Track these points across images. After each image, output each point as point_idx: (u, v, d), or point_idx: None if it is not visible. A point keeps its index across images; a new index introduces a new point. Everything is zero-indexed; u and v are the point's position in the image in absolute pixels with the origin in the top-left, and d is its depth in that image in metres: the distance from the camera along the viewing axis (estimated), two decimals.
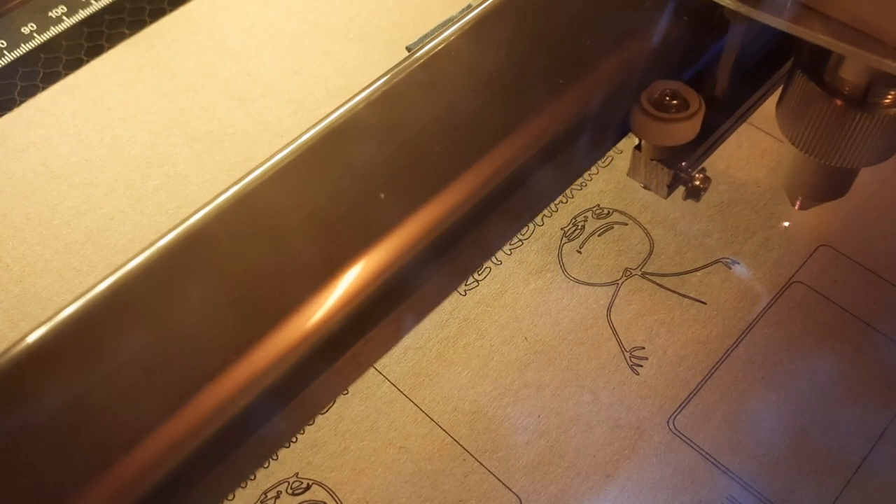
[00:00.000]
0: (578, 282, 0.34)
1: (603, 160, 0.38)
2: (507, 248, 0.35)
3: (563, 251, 0.35)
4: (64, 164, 0.38)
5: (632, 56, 0.25)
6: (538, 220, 0.36)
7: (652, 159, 0.27)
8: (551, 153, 0.23)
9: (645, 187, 0.28)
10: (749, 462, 0.30)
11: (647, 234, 0.35)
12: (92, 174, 0.38)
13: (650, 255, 0.35)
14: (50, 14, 0.44)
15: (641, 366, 0.32)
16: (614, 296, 0.34)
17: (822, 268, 0.34)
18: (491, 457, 0.30)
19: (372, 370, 0.32)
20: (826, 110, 0.26)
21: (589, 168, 0.27)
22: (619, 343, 0.33)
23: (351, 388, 0.32)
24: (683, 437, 0.30)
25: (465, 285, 0.34)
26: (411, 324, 0.23)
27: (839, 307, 0.33)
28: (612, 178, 0.37)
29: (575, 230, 0.36)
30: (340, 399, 0.32)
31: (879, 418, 0.31)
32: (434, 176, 0.21)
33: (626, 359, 0.32)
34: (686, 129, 0.25)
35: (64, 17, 0.43)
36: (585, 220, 0.36)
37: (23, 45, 0.42)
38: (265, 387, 0.19)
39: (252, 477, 0.30)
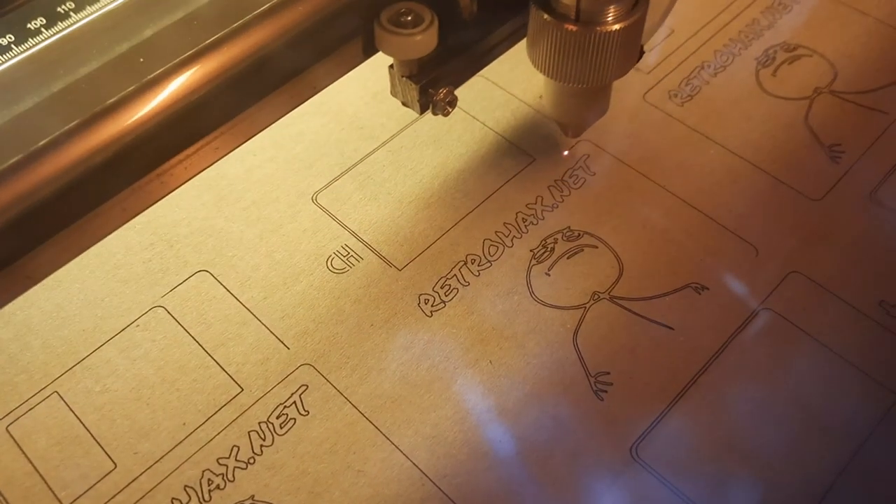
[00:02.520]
0: (546, 304, 0.34)
1: (575, 182, 0.37)
2: (475, 269, 0.35)
3: (532, 273, 0.35)
4: None
5: None
6: (507, 241, 0.36)
7: (402, 76, 0.30)
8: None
9: (404, 104, 0.31)
10: (711, 493, 0.30)
11: (617, 257, 0.35)
12: None
13: (619, 278, 0.34)
14: (28, 26, 0.43)
15: (606, 391, 0.32)
16: (581, 319, 0.33)
17: (793, 295, 0.34)
18: (450, 482, 0.30)
19: (333, 391, 0.32)
20: (552, 34, 0.30)
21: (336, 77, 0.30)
22: (585, 368, 0.32)
23: (312, 409, 0.31)
24: (645, 466, 0.30)
25: (432, 306, 0.34)
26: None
27: (808, 335, 0.33)
28: (584, 201, 0.37)
29: (544, 252, 0.35)
30: (300, 420, 0.31)
31: (845, 449, 0.30)
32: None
33: (590, 384, 0.32)
34: (420, 43, 0.28)
35: (42, 30, 0.43)
36: (555, 243, 0.36)
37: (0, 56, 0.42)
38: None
39: (208, 500, 0.30)
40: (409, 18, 0.28)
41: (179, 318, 0.34)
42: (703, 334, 0.33)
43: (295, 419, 0.31)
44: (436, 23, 0.28)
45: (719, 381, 0.32)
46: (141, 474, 0.30)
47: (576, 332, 0.33)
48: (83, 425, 0.31)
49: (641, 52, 0.33)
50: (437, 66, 0.30)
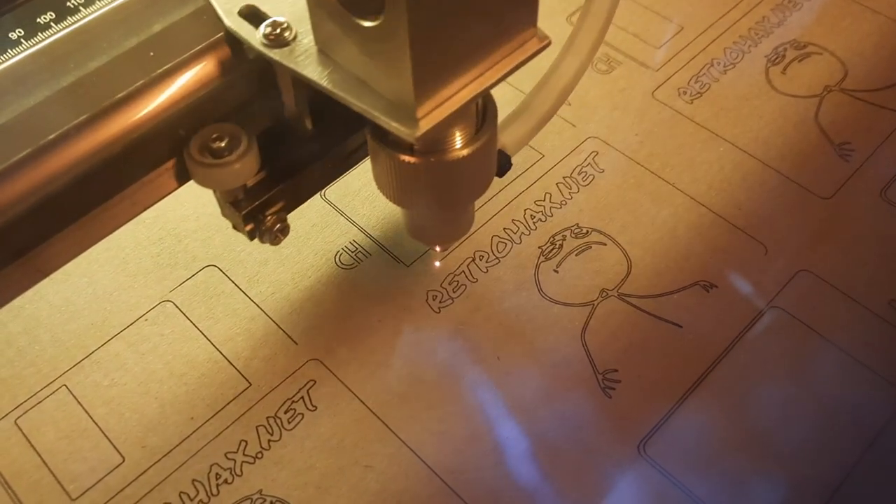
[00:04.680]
0: (554, 301, 0.34)
1: (584, 179, 0.37)
2: (483, 265, 0.35)
3: (540, 270, 0.35)
4: None
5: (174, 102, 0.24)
6: (516, 238, 0.36)
7: (228, 202, 0.26)
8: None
9: (235, 228, 0.28)
10: (719, 490, 0.29)
11: (626, 254, 0.35)
12: None
13: (627, 276, 0.34)
14: (38, 20, 0.44)
15: (614, 388, 0.32)
16: (589, 317, 0.33)
17: (802, 293, 0.34)
18: (458, 478, 0.30)
19: (341, 386, 0.32)
20: (389, 164, 0.26)
21: (152, 203, 0.26)
22: (593, 365, 0.32)
23: (319, 405, 0.31)
24: (654, 463, 0.30)
25: (440, 302, 0.34)
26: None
27: (818, 334, 0.33)
28: (592, 198, 0.37)
29: (553, 249, 0.35)
30: (308, 415, 0.31)
31: (855, 448, 0.30)
32: None
33: (598, 381, 0.32)
34: (237, 172, 0.25)
35: (52, 24, 0.43)
36: (564, 240, 0.36)
37: (10, 50, 0.42)
38: None
39: (216, 494, 0.30)
40: (223, 144, 0.24)
41: (188, 312, 0.34)
42: (712, 332, 0.33)
43: (303, 414, 0.31)
44: (254, 146, 0.25)
45: (727, 379, 0.32)
46: (149, 468, 0.30)
47: (584, 330, 0.33)
48: (91, 419, 0.31)
49: (508, 165, 0.30)
50: (266, 189, 0.27)
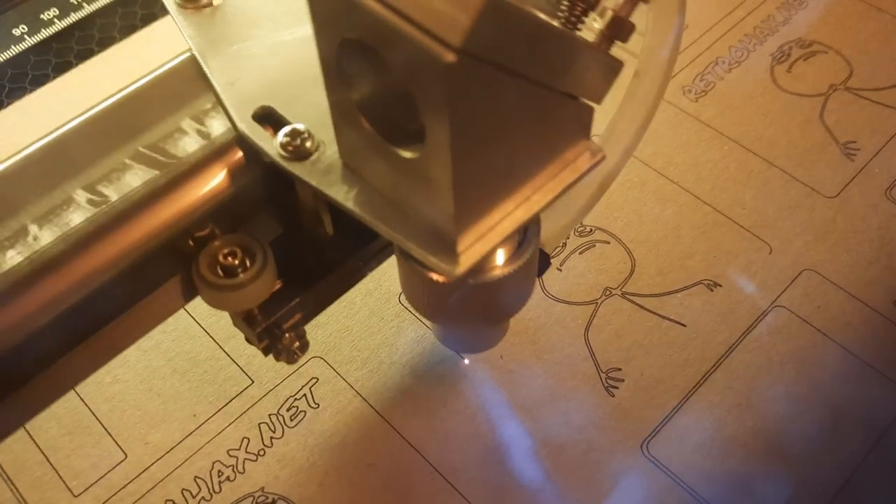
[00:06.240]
0: (557, 300, 0.34)
1: None
2: None
3: None
4: None
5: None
6: None
7: (240, 318, 0.23)
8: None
9: (248, 341, 0.25)
10: (723, 491, 0.29)
11: (629, 253, 0.35)
12: None
13: (631, 274, 0.34)
14: (42, 16, 0.44)
15: (617, 388, 0.32)
16: (593, 315, 0.33)
17: (806, 292, 0.34)
18: (460, 477, 0.30)
19: (343, 384, 0.32)
20: (421, 282, 0.23)
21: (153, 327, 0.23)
22: (596, 363, 0.32)
23: (322, 402, 0.31)
24: (657, 463, 0.30)
25: None
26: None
27: (821, 333, 0.33)
28: None
29: (556, 247, 0.35)
30: (311, 412, 0.31)
31: (860, 447, 0.30)
32: None
33: (601, 380, 0.32)
34: (252, 293, 0.21)
35: (56, 20, 0.43)
36: (567, 238, 0.35)
37: (13, 46, 0.42)
38: None
39: (218, 491, 0.30)
40: (236, 261, 0.21)
41: (191, 309, 0.34)
42: (716, 331, 0.33)
43: (305, 412, 0.31)
44: (271, 261, 0.21)
45: (731, 378, 0.32)
46: (151, 465, 0.30)
47: (587, 328, 0.33)
48: (94, 415, 0.31)
49: (547, 264, 0.27)
50: (282, 303, 0.23)
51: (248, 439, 0.31)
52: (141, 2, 0.44)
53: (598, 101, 0.20)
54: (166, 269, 0.21)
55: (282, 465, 0.30)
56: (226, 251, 0.21)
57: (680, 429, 0.31)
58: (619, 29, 0.20)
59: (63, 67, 0.42)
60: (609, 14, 0.20)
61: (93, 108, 0.22)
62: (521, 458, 0.30)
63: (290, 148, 0.20)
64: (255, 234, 0.22)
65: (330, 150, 0.20)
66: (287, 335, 0.24)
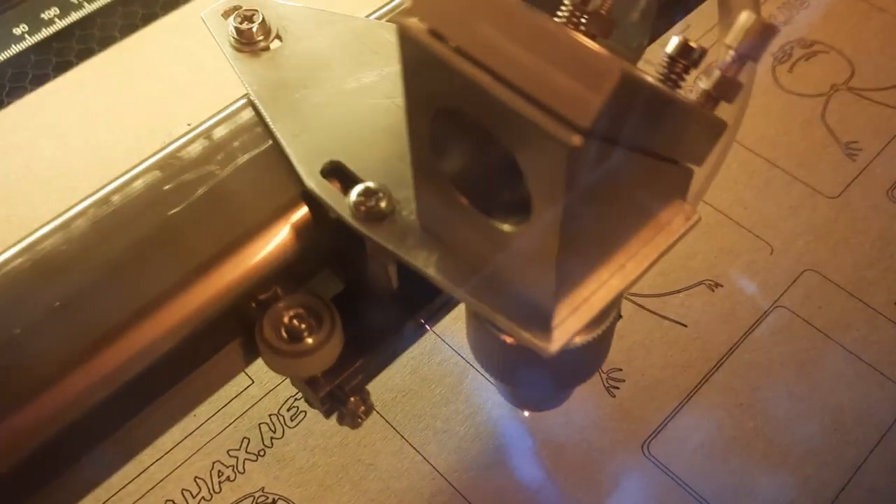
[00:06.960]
0: None
1: None
2: None
3: None
4: (48, 167, 0.38)
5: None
6: None
7: (302, 381, 0.22)
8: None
9: (308, 403, 0.24)
10: (724, 491, 0.29)
11: None
12: (75, 178, 0.37)
13: None
14: (42, 16, 0.44)
15: (618, 388, 0.32)
16: None
17: (807, 293, 0.34)
18: (460, 477, 0.30)
19: None
20: (493, 346, 0.21)
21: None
22: None
23: None
24: (657, 463, 0.30)
25: None
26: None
27: (823, 333, 0.33)
28: None
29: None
30: (311, 412, 0.31)
31: (861, 447, 0.30)
32: None
33: (602, 380, 0.32)
34: (319, 359, 0.20)
35: (56, 20, 0.43)
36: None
37: (13, 45, 0.42)
38: None
39: (218, 491, 0.30)
40: (302, 324, 0.19)
41: None
42: (717, 332, 0.33)
43: (305, 412, 0.31)
44: (338, 323, 0.20)
45: (732, 378, 0.32)
46: (151, 465, 0.30)
47: None
48: None
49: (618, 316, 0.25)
50: (346, 365, 0.21)
51: (249, 439, 0.31)
52: (141, 1, 0.44)
53: (700, 163, 0.19)
54: (227, 333, 0.20)
55: (282, 466, 0.30)
56: (291, 313, 0.19)
57: (681, 429, 0.31)
58: (727, 89, 0.19)
59: (63, 67, 0.42)
60: (716, 74, 0.19)
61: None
62: (522, 459, 0.30)
63: (363, 208, 0.18)
64: (316, 291, 0.20)
65: (406, 210, 0.18)
66: (352, 399, 0.22)
